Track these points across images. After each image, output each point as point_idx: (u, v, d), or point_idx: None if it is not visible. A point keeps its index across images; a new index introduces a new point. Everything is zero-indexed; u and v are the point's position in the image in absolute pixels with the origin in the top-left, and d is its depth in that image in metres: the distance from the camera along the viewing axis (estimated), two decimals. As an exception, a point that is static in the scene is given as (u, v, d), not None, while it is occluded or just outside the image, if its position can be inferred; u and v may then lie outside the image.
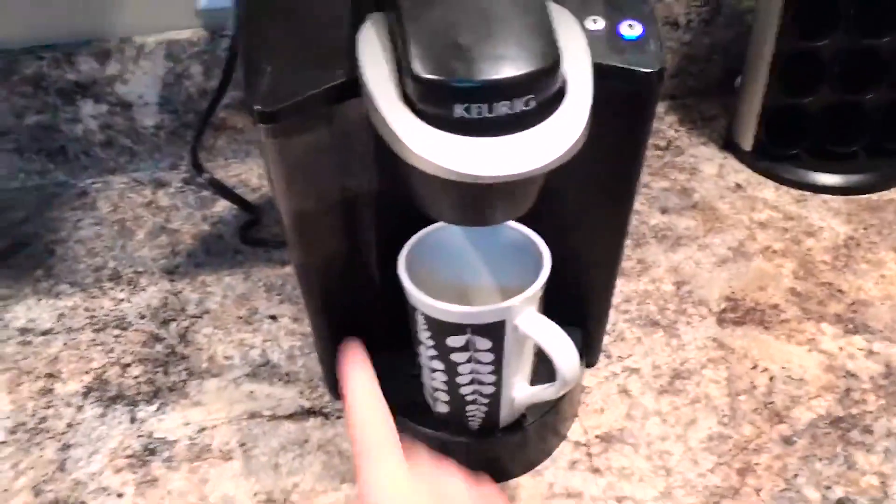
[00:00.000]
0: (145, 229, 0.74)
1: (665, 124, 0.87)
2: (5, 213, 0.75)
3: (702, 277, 0.67)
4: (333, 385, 0.58)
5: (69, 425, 0.57)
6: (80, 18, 0.72)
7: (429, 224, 0.48)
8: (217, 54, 0.74)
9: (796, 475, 0.52)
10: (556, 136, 0.37)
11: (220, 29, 0.74)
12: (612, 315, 0.62)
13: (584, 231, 0.51)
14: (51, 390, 0.59)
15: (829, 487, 0.52)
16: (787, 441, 0.55)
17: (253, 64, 0.43)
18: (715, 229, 0.72)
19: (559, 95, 0.38)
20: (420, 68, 0.36)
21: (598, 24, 0.44)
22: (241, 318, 0.65)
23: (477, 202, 0.41)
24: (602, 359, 0.61)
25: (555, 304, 0.48)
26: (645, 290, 0.66)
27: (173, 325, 0.64)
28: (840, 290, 0.66)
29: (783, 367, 0.60)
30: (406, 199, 0.43)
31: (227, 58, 0.70)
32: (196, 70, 0.75)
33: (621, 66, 0.42)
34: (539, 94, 0.36)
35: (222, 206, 0.76)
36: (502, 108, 0.36)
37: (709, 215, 0.74)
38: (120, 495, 0.52)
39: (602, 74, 0.40)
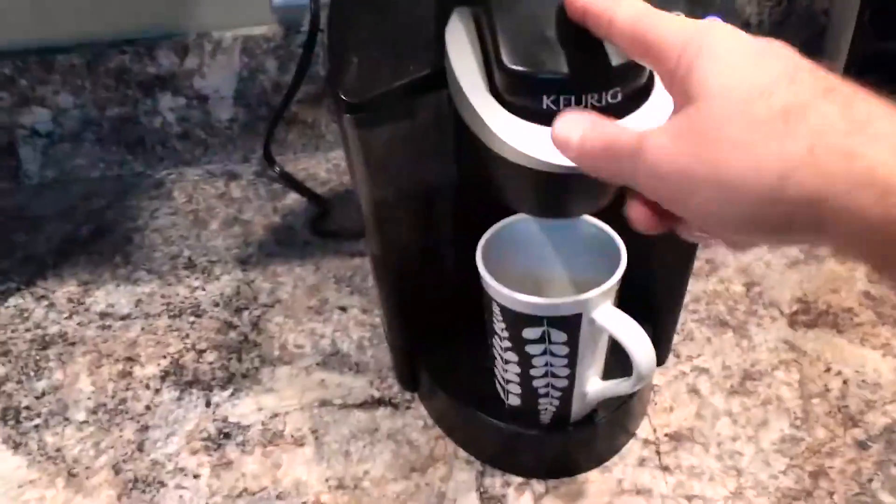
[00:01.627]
0: (218, 220, 0.75)
1: (734, 125, 0.86)
2: (88, 201, 0.77)
3: (772, 279, 0.67)
4: (403, 375, 0.59)
5: (147, 407, 0.59)
6: (161, 14, 0.74)
7: (506, 216, 0.49)
8: (291, 50, 0.76)
9: (871, 480, 0.52)
10: (642, 130, 0.37)
11: (295, 25, 0.75)
12: (681, 315, 0.62)
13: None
14: (130, 373, 0.61)
15: (905, 493, 0.51)
16: (862, 445, 0.54)
17: (339, 56, 0.44)
18: (786, 231, 0.71)
19: (646, 89, 0.38)
20: (509, 60, 0.36)
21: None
22: (311, 307, 0.66)
23: (558, 194, 0.41)
24: (671, 358, 0.60)
25: (626, 301, 0.48)
26: (714, 291, 0.66)
27: (246, 313, 0.66)
28: (917, 295, 0.64)
29: (857, 371, 0.59)
30: (484, 191, 0.44)
31: (301, 53, 0.72)
32: (271, 65, 0.77)
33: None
34: (626, 86, 0.37)
35: (293, 198, 0.77)
36: (589, 99, 0.36)
37: (780, 217, 0.73)
38: (196, 476, 0.54)
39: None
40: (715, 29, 0.31)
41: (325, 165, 0.82)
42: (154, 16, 0.74)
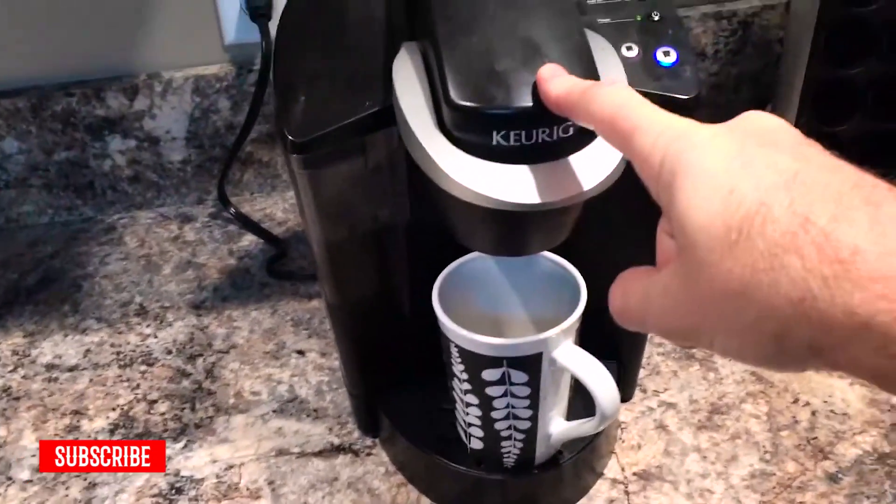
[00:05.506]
0: (172, 264, 0.73)
1: (693, 155, 0.85)
2: (34, 249, 0.75)
3: (737, 309, 0.66)
4: (362, 421, 0.57)
5: (95, 463, 0.56)
6: (110, 55, 0.73)
7: (462, 255, 0.47)
8: (244, 89, 0.74)
9: (844, 514, 0.51)
10: (595, 164, 0.36)
11: (248, 63, 0.74)
12: (647, 348, 0.61)
13: (619, 262, 0.50)
14: (77, 427, 0.59)
15: (879, 527, 0.50)
16: (833, 478, 0.53)
17: (286, 94, 0.42)
18: (749, 260, 0.71)
19: (598, 122, 0.37)
20: (457, 95, 0.35)
21: (633, 51, 0.43)
22: (268, 352, 0.64)
23: (513, 231, 0.40)
24: (637, 393, 0.59)
25: (589, 337, 0.47)
26: (679, 323, 0.65)
27: (200, 360, 0.64)
28: (881, 322, 0.64)
29: (825, 402, 0.58)
30: (439, 230, 0.42)
31: (254, 92, 0.71)
32: (223, 105, 0.75)
33: (658, 92, 0.42)
34: (577, 120, 0.36)
35: (249, 240, 0.76)
36: (540, 134, 0.35)
37: (742, 246, 0.72)
38: (146, 535, 0.51)
39: (640, 101, 0.39)
40: (692, 141, 0.28)
41: (282, 205, 0.80)
42: (101, 57, 0.73)
